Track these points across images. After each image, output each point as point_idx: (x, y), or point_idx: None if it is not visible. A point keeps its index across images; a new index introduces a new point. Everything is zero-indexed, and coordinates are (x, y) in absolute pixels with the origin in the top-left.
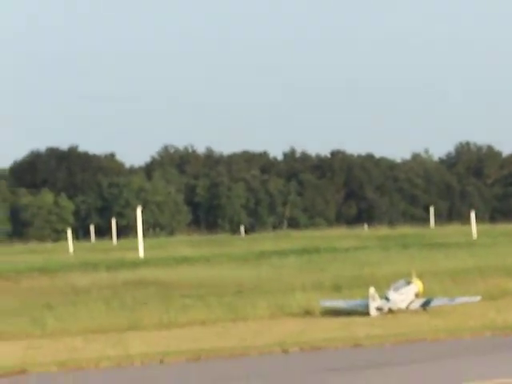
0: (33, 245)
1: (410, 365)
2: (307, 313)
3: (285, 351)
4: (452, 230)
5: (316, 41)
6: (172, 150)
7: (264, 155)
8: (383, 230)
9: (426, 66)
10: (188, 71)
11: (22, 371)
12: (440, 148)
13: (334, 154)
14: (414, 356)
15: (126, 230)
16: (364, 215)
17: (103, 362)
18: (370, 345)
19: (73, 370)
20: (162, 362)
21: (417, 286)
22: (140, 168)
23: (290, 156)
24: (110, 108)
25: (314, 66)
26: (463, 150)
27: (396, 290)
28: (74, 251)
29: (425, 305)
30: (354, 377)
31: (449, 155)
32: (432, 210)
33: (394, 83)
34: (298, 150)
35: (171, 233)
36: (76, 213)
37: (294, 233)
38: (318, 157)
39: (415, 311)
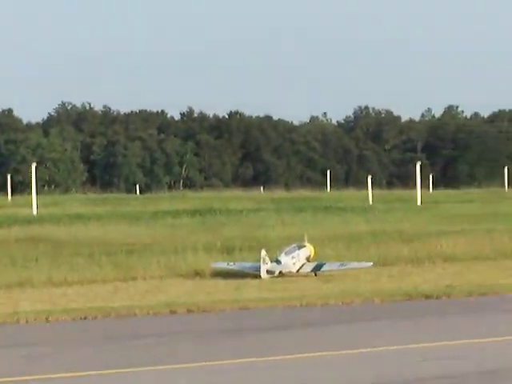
0: None
1: (296, 329)
2: (197, 274)
3: (172, 312)
4: (348, 194)
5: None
6: (69, 107)
7: (161, 114)
8: (279, 193)
9: (328, 24)
10: (84, 27)
11: None
12: (339, 112)
13: (232, 114)
14: (302, 320)
15: (22, 187)
16: (261, 177)
17: None
18: (258, 308)
19: None
20: (47, 320)
21: (309, 249)
22: (37, 124)
23: (187, 116)
24: (8, 61)
25: (209, 25)
26: (362, 114)
27: (287, 253)
28: None
29: (316, 269)
30: (240, 339)
31: (347, 119)
32: (329, 173)
33: (298, 45)
34: (196, 111)
35: (66, 190)
36: None
37: (190, 193)
38: (216, 117)
39: (306, 275)
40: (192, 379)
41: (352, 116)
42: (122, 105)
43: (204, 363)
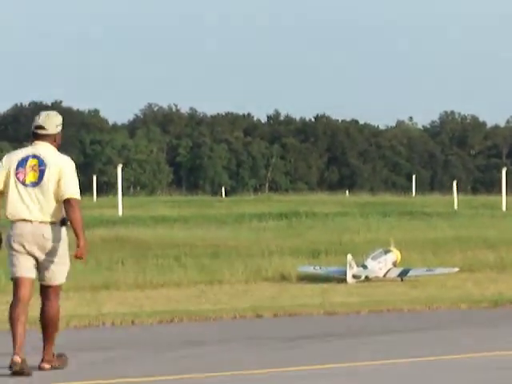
0: None
1: (384, 334)
2: (283, 278)
3: (258, 316)
4: (433, 199)
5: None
6: (156, 109)
7: (248, 117)
8: (364, 197)
9: (414, 30)
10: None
11: None
12: (424, 116)
13: (318, 118)
14: (389, 325)
15: (107, 188)
16: (346, 181)
17: (73, 321)
18: (344, 312)
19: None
20: (133, 322)
21: (395, 254)
22: (123, 125)
23: (273, 119)
24: (96, 63)
25: (296, 27)
26: (447, 119)
27: (374, 258)
28: None
29: (402, 274)
30: (328, 343)
31: (433, 124)
32: (414, 178)
33: (381, 48)
34: (282, 113)
35: (152, 192)
36: None
37: (275, 196)
38: (302, 121)
39: (392, 280)
40: None
41: (438, 121)
42: (209, 107)
43: (288, 368)
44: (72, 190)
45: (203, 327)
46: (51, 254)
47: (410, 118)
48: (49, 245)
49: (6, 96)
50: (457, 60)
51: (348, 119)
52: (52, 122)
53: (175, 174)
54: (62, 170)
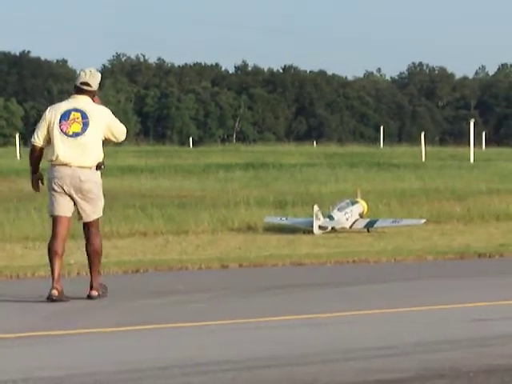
0: None
1: (349, 286)
2: (250, 228)
3: (224, 266)
4: (401, 150)
5: None
6: (123, 59)
7: (215, 68)
8: (332, 148)
9: None
10: None
11: None
12: (393, 68)
13: (286, 69)
14: (355, 277)
15: None
16: (314, 132)
17: (40, 271)
18: (311, 263)
19: (8, 278)
20: (98, 272)
21: (361, 205)
22: None
23: (241, 69)
24: (62, 13)
25: None
26: (416, 70)
27: (341, 209)
28: (21, 157)
29: (369, 225)
30: (293, 294)
31: (401, 75)
32: (382, 129)
33: (352, 1)
34: (250, 64)
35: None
36: (25, 118)
37: (243, 147)
38: (270, 71)
39: (359, 231)
40: (238, 335)
41: (406, 72)
42: (176, 57)
43: (251, 319)
44: (123, 131)
45: (168, 277)
46: (87, 194)
47: (379, 70)
48: (85, 186)
49: None
50: (424, 11)
51: (316, 70)
52: (96, 80)
53: (143, 124)
54: (105, 120)
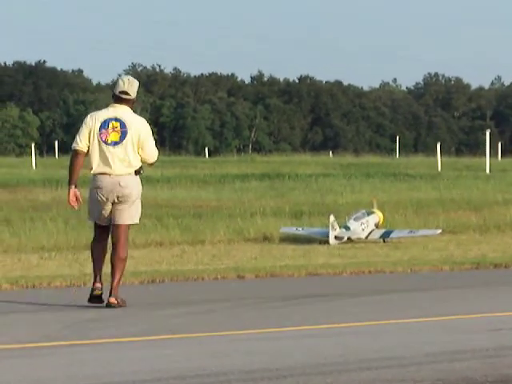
0: None
1: (365, 296)
2: (266, 239)
3: (240, 277)
4: (417, 161)
5: None
6: (139, 69)
7: (231, 78)
8: (348, 158)
9: None
10: None
11: None
12: (408, 78)
13: (302, 79)
14: (371, 287)
15: None
16: (329, 142)
17: (56, 281)
18: (326, 274)
19: (24, 288)
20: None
21: (377, 216)
22: (107, 86)
23: (257, 80)
24: (78, 23)
25: None
26: (431, 81)
27: (356, 219)
28: (36, 167)
29: (385, 236)
30: (309, 305)
31: (417, 86)
32: (398, 139)
33: (365, 12)
34: (266, 74)
35: None
36: (41, 128)
37: (258, 157)
38: (286, 81)
39: (375, 242)
40: (253, 345)
41: (422, 83)
42: (193, 67)
43: (269, 329)
44: (153, 155)
45: (185, 288)
46: (125, 199)
47: (394, 80)
48: (123, 191)
49: None
50: (440, 21)
51: (332, 80)
52: (134, 88)
53: (159, 135)
54: (141, 133)
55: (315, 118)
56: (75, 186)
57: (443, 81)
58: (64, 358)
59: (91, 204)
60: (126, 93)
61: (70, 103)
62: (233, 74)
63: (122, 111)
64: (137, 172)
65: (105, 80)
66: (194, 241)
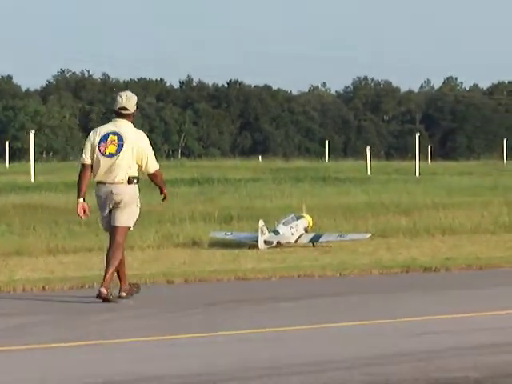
0: None
1: (293, 300)
2: (195, 244)
3: (169, 282)
4: (347, 165)
5: None
6: (68, 75)
7: (160, 83)
8: (277, 163)
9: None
10: None
11: None
12: (338, 82)
13: (231, 83)
14: (299, 291)
15: (20, 154)
16: (259, 147)
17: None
18: (255, 278)
19: None
20: (44, 288)
21: (306, 220)
22: (36, 91)
23: (186, 84)
24: (7, 29)
25: None
26: (361, 84)
27: (286, 223)
28: None
29: (314, 240)
30: (237, 310)
31: (346, 90)
32: (327, 144)
33: (294, 12)
34: (195, 79)
35: (64, 158)
36: None
37: (188, 162)
38: (215, 86)
39: (304, 246)
40: (180, 351)
41: (351, 86)
42: (121, 73)
43: (196, 334)
44: (152, 165)
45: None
46: (119, 204)
47: (324, 84)
48: (117, 198)
49: None
50: (369, 24)
51: (261, 85)
52: (132, 103)
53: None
54: (141, 147)
55: (244, 123)
56: (84, 199)
57: (372, 84)
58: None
59: (100, 213)
60: (125, 108)
61: None
62: (161, 79)
63: (120, 125)
64: (130, 181)
65: (34, 86)
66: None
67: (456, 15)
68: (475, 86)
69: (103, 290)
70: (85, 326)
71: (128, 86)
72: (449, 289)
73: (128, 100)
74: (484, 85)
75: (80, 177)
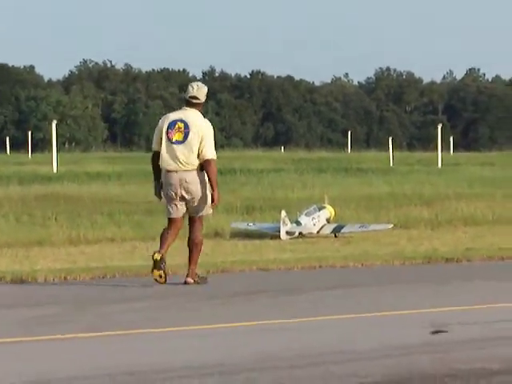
0: None
1: (315, 291)
2: (217, 234)
3: None
4: (369, 156)
5: None
6: (91, 65)
7: (183, 73)
8: (299, 154)
9: None
10: None
11: None
12: (360, 73)
13: (253, 74)
14: (321, 282)
15: (43, 144)
16: (281, 138)
17: (7, 277)
18: (277, 269)
19: None
20: (65, 278)
21: (328, 211)
22: (58, 82)
23: (208, 75)
24: (29, 19)
25: None
26: (383, 75)
27: (308, 214)
28: None
29: (336, 230)
30: (259, 300)
31: (368, 80)
32: (349, 134)
33: (316, 5)
34: (217, 70)
35: (87, 148)
36: None
37: None
38: (237, 77)
39: (326, 237)
40: (203, 341)
41: (373, 77)
42: (144, 63)
43: (219, 325)
44: (210, 153)
45: (135, 283)
46: (194, 193)
47: (346, 75)
48: (191, 186)
49: None
50: (392, 15)
51: (283, 75)
52: (203, 93)
53: (110, 130)
54: (203, 134)
55: (267, 114)
56: (159, 181)
57: (395, 75)
58: (10, 355)
59: (165, 199)
60: (196, 97)
61: (21, 99)
62: (184, 70)
63: (189, 114)
64: (202, 168)
65: (56, 76)
66: (145, 237)
67: (480, 6)
68: (497, 77)
69: (189, 280)
70: (107, 315)
71: (150, 76)
72: (470, 280)
73: (199, 90)
74: (506, 76)
75: (152, 163)
